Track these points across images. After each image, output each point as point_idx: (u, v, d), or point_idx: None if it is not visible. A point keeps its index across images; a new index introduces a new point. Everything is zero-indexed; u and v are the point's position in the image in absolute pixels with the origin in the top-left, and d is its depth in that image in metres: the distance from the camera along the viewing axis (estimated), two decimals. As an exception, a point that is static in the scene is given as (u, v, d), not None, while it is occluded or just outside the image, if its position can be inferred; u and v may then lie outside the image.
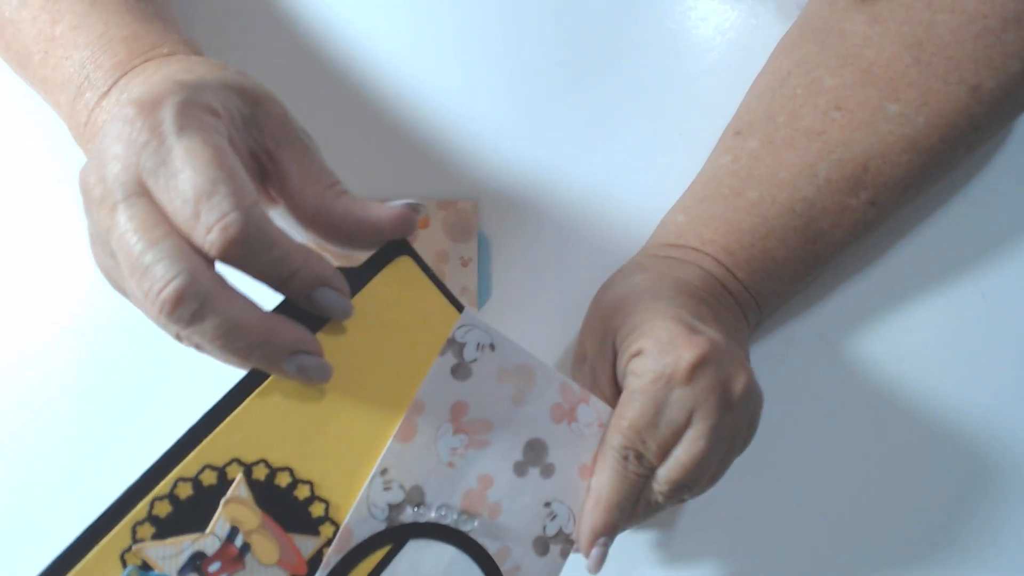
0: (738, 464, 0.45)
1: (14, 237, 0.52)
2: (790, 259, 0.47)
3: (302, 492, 0.34)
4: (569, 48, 0.54)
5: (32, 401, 0.51)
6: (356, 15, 0.54)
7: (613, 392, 0.44)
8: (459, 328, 0.37)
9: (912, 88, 0.46)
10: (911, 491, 0.51)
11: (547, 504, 0.39)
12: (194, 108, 0.33)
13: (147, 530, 0.32)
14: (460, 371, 0.38)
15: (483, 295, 0.52)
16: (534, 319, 0.52)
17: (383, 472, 0.36)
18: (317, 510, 0.35)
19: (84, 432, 0.50)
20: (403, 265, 0.37)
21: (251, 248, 0.32)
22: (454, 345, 0.37)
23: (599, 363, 0.45)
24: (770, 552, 0.51)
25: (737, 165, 0.48)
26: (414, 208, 0.37)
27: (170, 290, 0.31)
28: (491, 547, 0.37)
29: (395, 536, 0.36)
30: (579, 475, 0.40)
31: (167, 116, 0.33)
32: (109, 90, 0.40)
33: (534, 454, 0.39)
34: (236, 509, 0.33)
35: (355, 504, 0.35)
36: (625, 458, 0.41)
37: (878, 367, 0.52)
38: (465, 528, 0.37)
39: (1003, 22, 0.45)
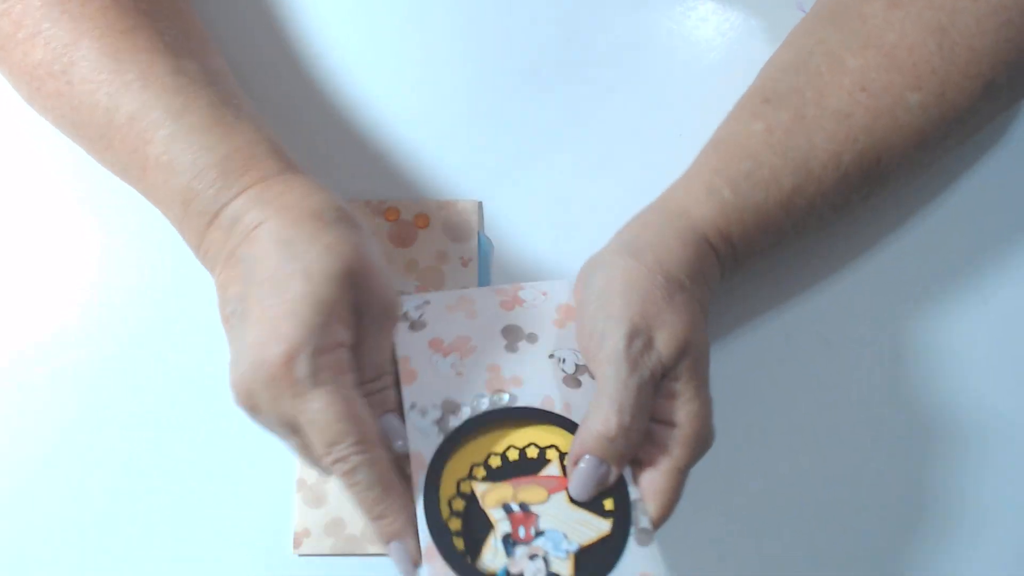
0: (737, 463, 0.45)
1: (17, 236, 0.52)
2: (776, 243, 0.48)
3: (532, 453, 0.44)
4: (570, 48, 0.54)
5: (36, 401, 0.51)
6: (357, 16, 0.54)
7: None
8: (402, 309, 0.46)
9: (935, 77, 0.45)
10: (911, 491, 0.51)
11: (551, 356, 0.45)
12: (323, 359, 0.39)
13: (480, 472, 0.42)
14: (415, 325, 0.45)
15: (483, 295, 0.52)
16: (534, 319, 0.52)
17: (412, 407, 0.43)
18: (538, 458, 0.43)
19: (88, 431, 0.50)
20: None
21: (361, 486, 0.40)
22: (401, 316, 0.45)
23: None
24: (769, 550, 0.51)
25: (773, 138, 0.46)
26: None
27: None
28: (534, 403, 0.43)
29: (454, 439, 0.42)
30: (559, 319, 0.46)
31: (302, 372, 0.39)
32: (216, 217, 0.42)
33: (513, 334, 0.45)
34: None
35: (408, 434, 0.42)
36: (630, 343, 0.41)
37: (878, 367, 0.52)
38: (502, 403, 0.43)
39: None
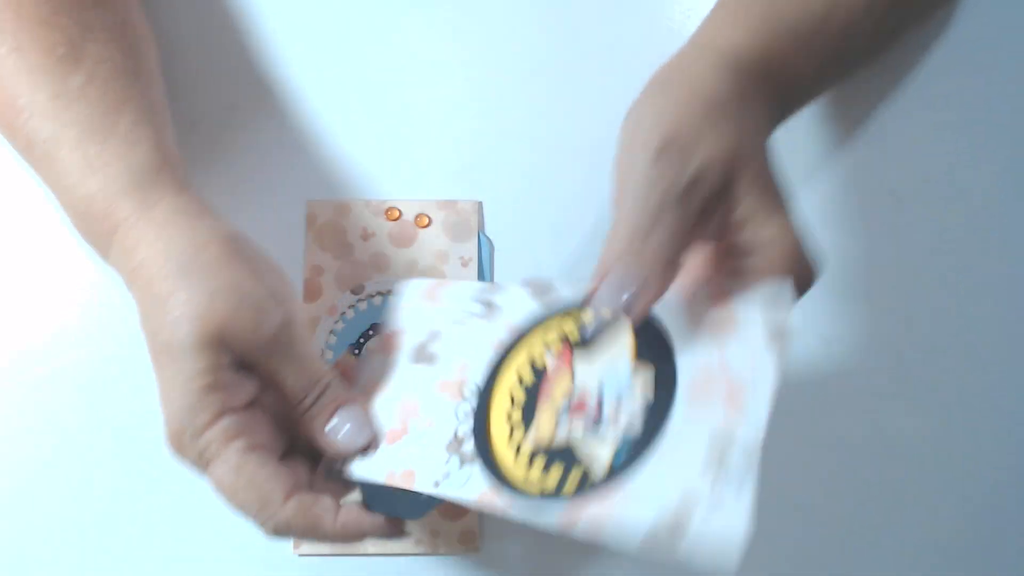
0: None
1: (17, 235, 0.52)
2: (820, 71, 0.45)
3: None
4: (570, 49, 0.54)
5: (36, 401, 0.51)
6: (358, 16, 0.54)
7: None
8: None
9: None
10: (911, 492, 0.51)
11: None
12: (204, 438, 0.39)
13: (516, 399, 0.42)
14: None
15: (483, 295, 0.52)
16: (534, 319, 0.52)
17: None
18: None
19: (88, 431, 0.50)
20: None
21: (294, 534, 0.40)
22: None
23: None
24: (767, 552, 0.51)
25: None
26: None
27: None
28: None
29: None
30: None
31: (190, 455, 0.39)
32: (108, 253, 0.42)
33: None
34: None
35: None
36: (657, 158, 0.38)
37: (878, 367, 0.52)
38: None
39: None
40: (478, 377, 0.43)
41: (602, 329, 0.41)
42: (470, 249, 0.52)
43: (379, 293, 0.51)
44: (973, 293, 0.53)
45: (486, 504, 0.39)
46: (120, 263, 0.42)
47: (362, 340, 0.51)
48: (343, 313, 0.51)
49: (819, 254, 0.39)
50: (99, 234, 0.42)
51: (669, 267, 0.38)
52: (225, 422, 0.39)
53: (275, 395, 0.42)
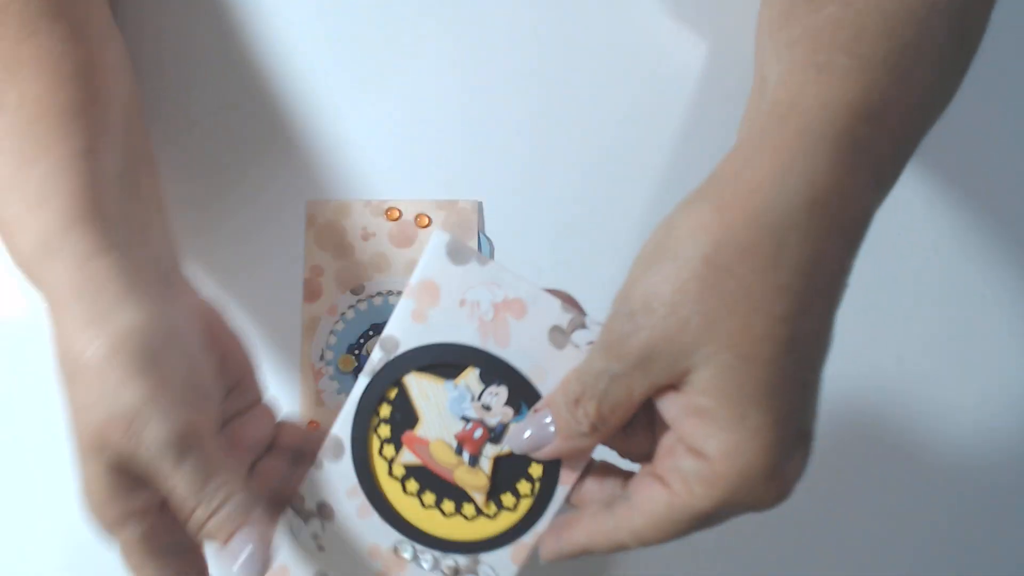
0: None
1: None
2: (928, 113, 0.35)
3: None
4: (570, 49, 0.54)
5: (32, 399, 0.51)
6: (358, 16, 0.54)
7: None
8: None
9: None
10: (911, 492, 0.51)
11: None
12: (116, 533, 0.38)
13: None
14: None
15: (483, 295, 0.52)
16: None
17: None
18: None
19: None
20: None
21: None
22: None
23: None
24: (766, 557, 0.51)
25: (858, 5, 0.34)
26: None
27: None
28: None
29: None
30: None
31: (100, 517, 0.38)
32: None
33: None
34: None
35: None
36: (622, 320, 0.34)
37: (878, 367, 0.52)
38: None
39: None
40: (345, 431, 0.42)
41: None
42: (470, 249, 0.52)
43: (379, 293, 0.51)
44: (972, 292, 0.53)
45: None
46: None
47: (362, 340, 0.51)
48: (343, 313, 0.51)
49: (795, 470, 0.33)
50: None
51: (600, 434, 0.36)
52: (129, 529, 0.38)
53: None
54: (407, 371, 0.40)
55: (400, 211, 0.52)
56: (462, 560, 0.41)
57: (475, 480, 0.40)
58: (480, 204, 0.52)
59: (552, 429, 0.37)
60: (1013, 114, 0.54)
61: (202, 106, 0.53)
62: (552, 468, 0.40)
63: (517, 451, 0.38)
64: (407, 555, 0.41)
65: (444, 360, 0.40)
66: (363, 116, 0.54)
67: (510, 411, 0.39)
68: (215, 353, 0.41)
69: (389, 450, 0.41)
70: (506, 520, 0.41)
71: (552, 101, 0.54)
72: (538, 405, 0.38)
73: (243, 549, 0.37)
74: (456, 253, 0.39)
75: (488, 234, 0.52)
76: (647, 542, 0.36)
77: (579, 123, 0.53)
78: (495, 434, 0.40)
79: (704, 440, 0.33)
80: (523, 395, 0.39)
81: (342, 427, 0.41)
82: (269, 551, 0.38)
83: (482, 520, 0.41)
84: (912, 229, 0.53)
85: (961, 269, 0.53)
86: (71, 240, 0.38)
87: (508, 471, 0.40)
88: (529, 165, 0.53)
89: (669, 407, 0.34)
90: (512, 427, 0.39)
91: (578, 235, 0.52)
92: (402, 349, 0.40)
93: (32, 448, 0.52)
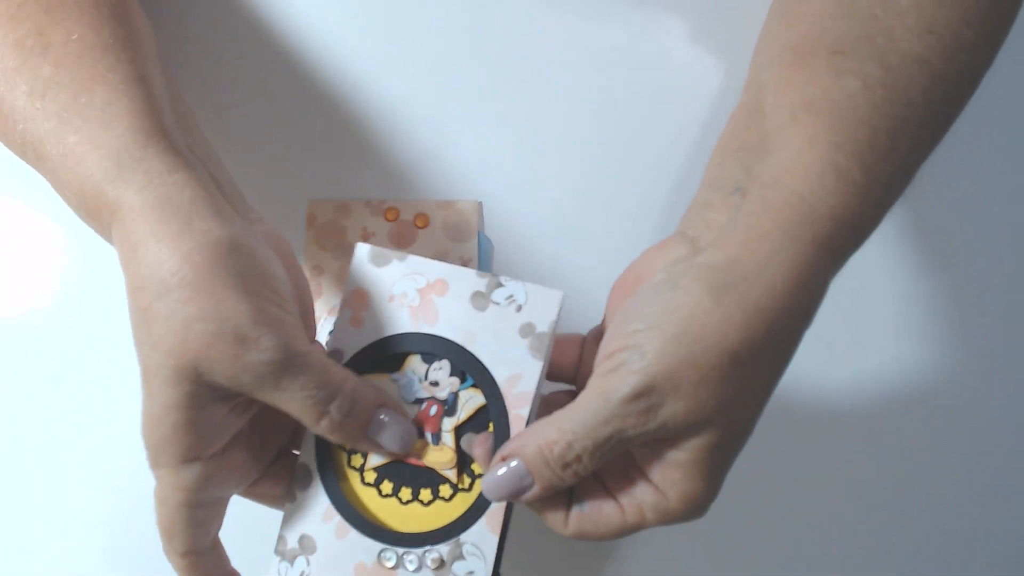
0: (734, 466, 0.44)
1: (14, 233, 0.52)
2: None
3: None
4: (571, 48, 0.54)
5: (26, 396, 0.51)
6: (358, 16, 0.54)
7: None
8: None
9: (978, 8, 0.39)
10: (910, 493, 0.51)
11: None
12: (167, 473, 0.38)
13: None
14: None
15: (483, 295, 0.52)
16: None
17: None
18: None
19: (85, 431, 0.50)
20: None
21: None
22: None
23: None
24: (766, 555, 0.51)
25: (875, 96, 0.38)
26: None
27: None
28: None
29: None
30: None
31: (163, 453, 0.37)
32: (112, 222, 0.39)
33: None
34: None
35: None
36: (633, 399, 0.36)
37: (878, 367, 0.52)
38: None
39: None
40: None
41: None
42: (470, 249, 0.52)
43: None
44: (971, 291, 0.53)
45: None
46: (120, 256, 0.38)
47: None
48: (343, 313, 0.51)
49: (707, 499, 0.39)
50: (101, 226, 0.39)
51: (576, 481, 0.39)
52: (185, 471, 0.37)
53: (267, 424, 0.41)
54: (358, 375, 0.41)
55: (400, 211, 0.52)
56: (444, 549, 0.41)
57: (443, 456, 0.41)
58: (480, 204, 0.52)
59: (529, 480, 0.38)
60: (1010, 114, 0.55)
61: (202, 106, 0.53)
62: (502, 424, 0.41)
63: (494, 499, 0.40)
64: (390, 563, 0.41)
65: (386, 354, 0.42)
66: (363, 116, 0.54)
67: (456, 380, 0.42)
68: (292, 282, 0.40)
69: (357, 459, 0.42)
70: (478, 490, 0.41)
71: (552, 101, 0.54)
72: (507, 451, 0.39)
73: (388, 426, 0.40)
74: (377, 258, 0.43)
75: (488, 234, 0.52)
76: (587, 537, 0.40)
77: (579, 123, 0.53)
78: (448, 405, 0.42)
79: (670, 485, 0.38)
80: (462, 362, 0.41)
81: (306, 454, 0.42)
82: (409, 423, 0.40)
83: (460, 497, 0.41)
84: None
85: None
86: (149, 155, 0.38)
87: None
88: (529, 165, 0.53)
89: (643, 450, 0.39)
90: (484, 480, 0.40)
91: (578, 235, 0.52)
92: (347, 357, 0.42)
93: (32, 448, 0.52)
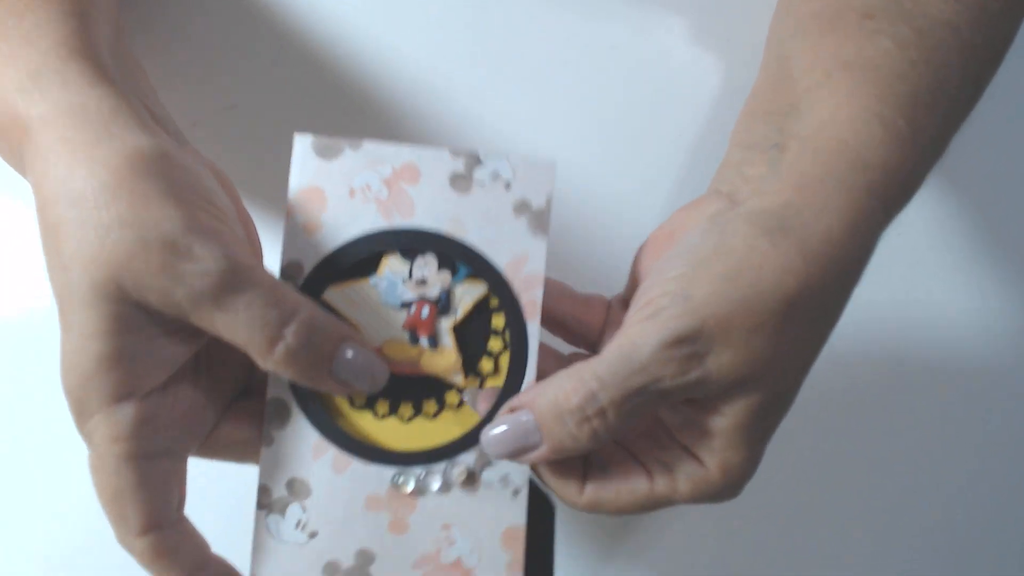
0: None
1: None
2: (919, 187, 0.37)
3: None
4: (570, 47, 0.54)
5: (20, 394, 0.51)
6: (357, 16, 0.54)
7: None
8: None
9: None
10: (911, 493, 0.51)
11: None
12: (98, 421, 0.32)
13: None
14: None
15: (483, 295, 0.52)
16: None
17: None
18: None
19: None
20: None
21: None
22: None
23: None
24: (765, 554, 0.51)
25: (909, 55, 0.36)
26: None
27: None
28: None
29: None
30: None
31: (80, 427, 0.32)
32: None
33: None
34: None
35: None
36: (673, 345, 0.32)
37: (878, 368, 0.52)
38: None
39: None
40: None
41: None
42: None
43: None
44: (971, 291, 0.53)
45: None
46: (30, 179, 0.33)
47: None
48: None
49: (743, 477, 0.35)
50: (13, 152, 0.34)
51: (598, 442, 0.33)
52: (119, 414, 0.32)
53: (219, 356, 0.35)
54: (323, 288, 0.36)
55: (400, 211, 0.52)
56: (470, 459, 0.36)
57: (445, 360, 0.37)
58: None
59: (537, 438, 0.33)
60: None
61: (202, 106, 0.54)
62: (513, 314, 0.36)
63: (494, 458, 0.35)
64: (410, 487, 0.36)
65: (357, 258, 0.36)
66: (363, 116, 0.54)
67: (447, 274, 0.37)
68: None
69: None
70: (494, 387, 0.37)
71: (552, 100, 0.54)
72: (515, 402, 0.34)
73: (354, 361, 0.34)
74: (325, 150, 0.37)
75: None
76: (603, 509, 0.35)
77: (579, 122, 0.53)
78: (442, 304, 0.36)
79: (709, 454, 0.34)
80: (451, 253, 0.36)
81: (278, 385, 0.36)
82: (381, 360, 0.35)
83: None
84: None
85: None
86: (70, 68, 0.33)
87: (472, 336, 0.37)
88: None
89: (675, 415, 0.35)
90: (484, 434, 0.35)
91: (578, 234, 0.52)
92: (308, 269, 0.36)
93: (32, 448, 0.52)
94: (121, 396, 0.32)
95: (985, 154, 0.54)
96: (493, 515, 0.36)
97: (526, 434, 0.33)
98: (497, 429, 0.34)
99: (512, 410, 0.34)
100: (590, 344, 0.39)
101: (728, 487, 0.34)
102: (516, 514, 0.36)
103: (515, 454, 0.34)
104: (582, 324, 0.38)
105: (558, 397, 0.33)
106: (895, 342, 0.52)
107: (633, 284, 0.38)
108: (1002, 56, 0.39)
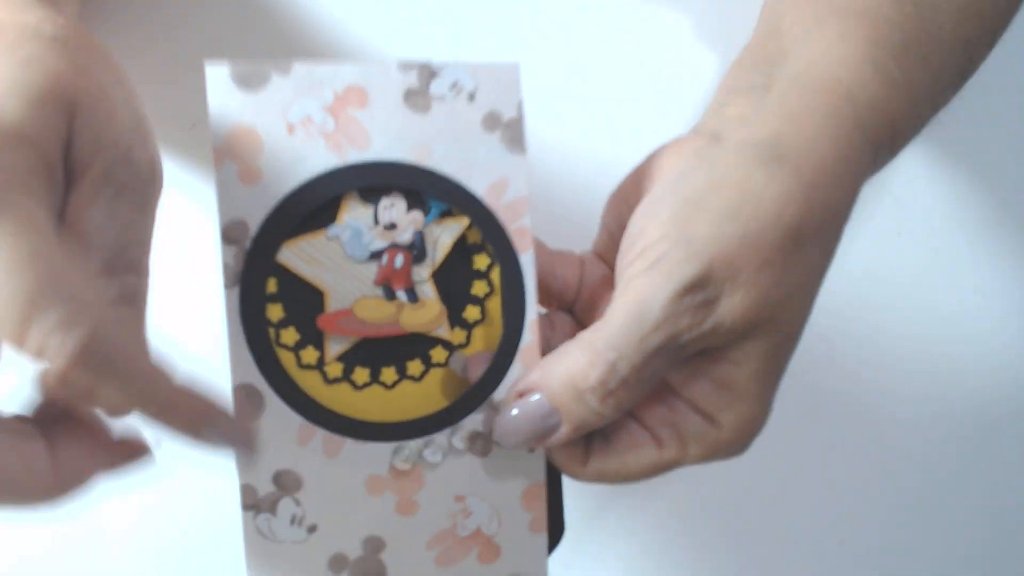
0: (734, 464, 0.44)
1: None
2: (914, 138, 0.37)
3: None
4: (569, 46, 0.54)
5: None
6: (357, 16, 0.55)
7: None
8: None
9: None
10: (910, 493, 0.51)
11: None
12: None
13: None
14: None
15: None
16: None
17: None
18: None
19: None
20: None
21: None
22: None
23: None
24: (764, 553, 0.51)
25: (904, 7, 0.35)
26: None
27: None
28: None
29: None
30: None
31: None
32: None
33: None
34: None
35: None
36: (685, 294, 0.30)
37: (878, 368, 0.52)
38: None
39: None
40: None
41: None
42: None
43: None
44: (970, 291, 0.53)
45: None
46: None
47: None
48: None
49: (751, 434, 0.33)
50: None
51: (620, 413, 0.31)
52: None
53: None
54: (276, 248, 0.31)
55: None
56: (477, 419, 0.32)
57: (427, 313, 0.33)
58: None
59: (555, 419, 0.31)
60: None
61: (202, 106, 0.54)
62: (502, 246, 0.33)
63: (511, 448, 0.32)
64: (409, 464, 0.32)
65: (311, 206, 0.31)
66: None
67: (418, 215, 0.32)
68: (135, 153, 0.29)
69: (309, 354, 0.32)
70: (485, 337, 0.33)
71: (552, 100, 0.54)
72: (524, 385, 0.32)
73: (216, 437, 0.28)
74: (248, 77, 0.31)
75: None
76: (609, 479, 0.33)
77: (578, 121, 0.53)
78: (417, 249, 0.32)
79: (720, 410, 0.32)
80: (421, 187, 0.32)
81: (244, 371, 0.31)
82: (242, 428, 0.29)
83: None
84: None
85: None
86: None
87: (454, 282, 0.33)
88: (528, 164, 0.53)
89: (680, 371, 0.32)
90: (496, 424, 0.32)
91: (578, 234, 0.52)
92: (254, 228, 0.31)
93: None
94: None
95: (985, 154, 0.54)
96: (511, 476, 0.32)
97: (543, 417, 0.31)
98: (511, 415, 0.31)
99: (521, 394, 0.31)
100: (565, 303, 0.36)
101: (738, 443, 0.32)
102: (535, 470, 0.33)
103: (534, 440, 0.31)
104: (557, 279, 0.35)
105: (573, 375, 0.30)
106: (895, 342, 0.52)
107: (607, 235, 0.36)
108: (997, 33, 0.38)
